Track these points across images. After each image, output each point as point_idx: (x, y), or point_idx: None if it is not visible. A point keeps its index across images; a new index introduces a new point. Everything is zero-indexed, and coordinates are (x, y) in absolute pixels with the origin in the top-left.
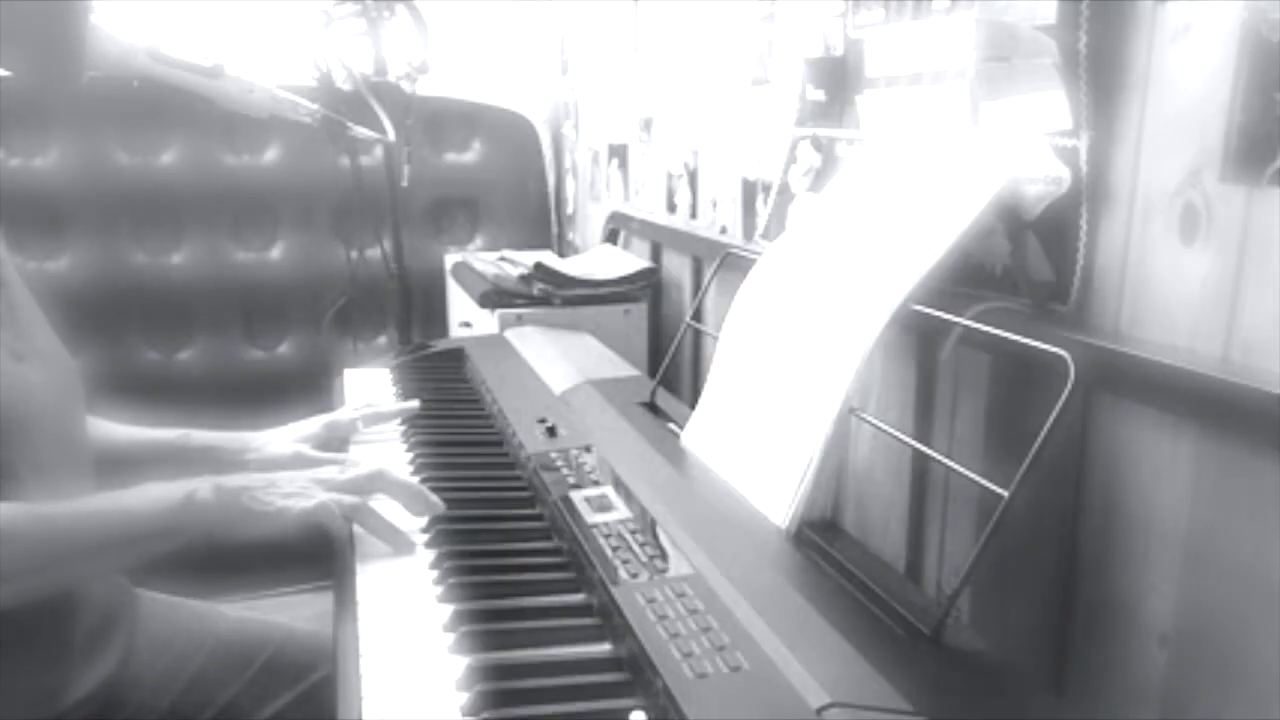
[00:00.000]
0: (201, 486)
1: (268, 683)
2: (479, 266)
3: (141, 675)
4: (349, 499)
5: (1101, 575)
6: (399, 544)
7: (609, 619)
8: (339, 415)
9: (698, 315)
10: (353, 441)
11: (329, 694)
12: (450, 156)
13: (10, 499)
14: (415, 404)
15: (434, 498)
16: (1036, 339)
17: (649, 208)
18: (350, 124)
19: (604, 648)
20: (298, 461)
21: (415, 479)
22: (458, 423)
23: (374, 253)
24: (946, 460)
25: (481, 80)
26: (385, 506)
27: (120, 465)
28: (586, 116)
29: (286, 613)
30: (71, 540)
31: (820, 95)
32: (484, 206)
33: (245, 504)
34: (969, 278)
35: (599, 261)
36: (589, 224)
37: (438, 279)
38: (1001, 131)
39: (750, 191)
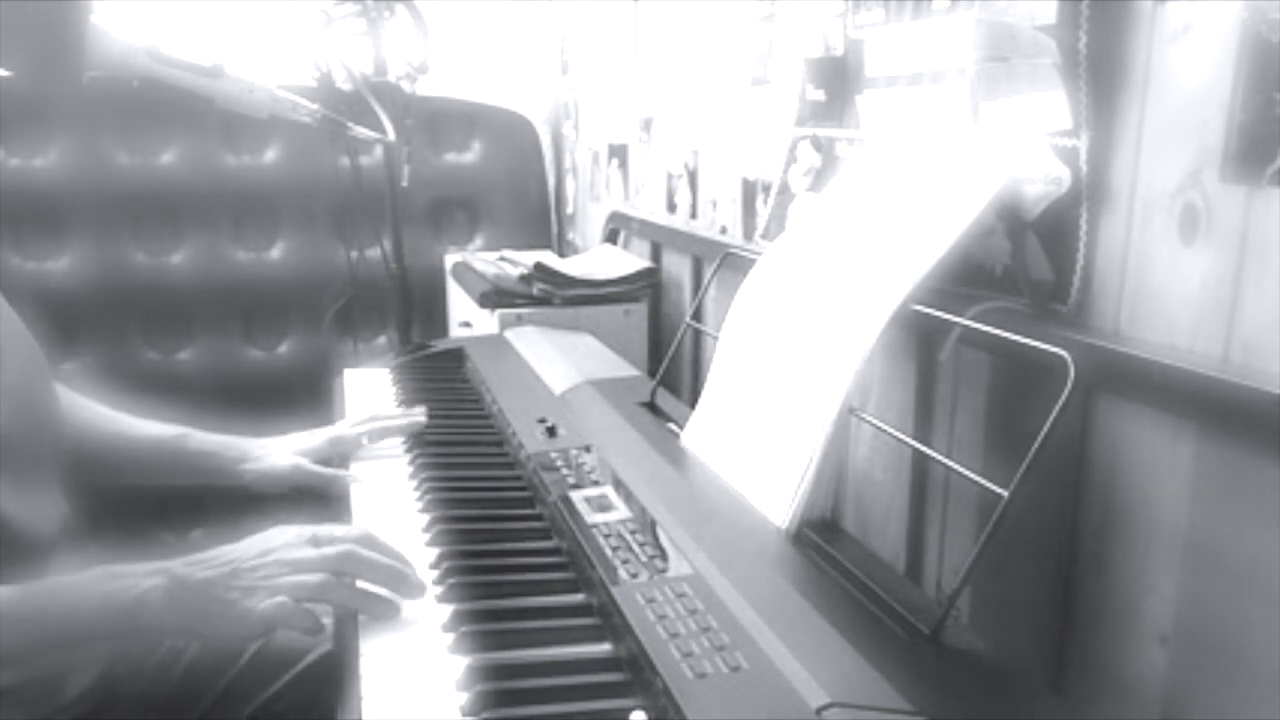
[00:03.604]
0: (157, 585)
1: (264, 665)
2: (479, 266)
3: (138, 668)
4: (313, 579)
5: (1101, 575)
6: (380, 613)
7: (609, 619)
8: (344, 430)
9: (698, 315)
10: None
11: (327, 671)
12: (450, 156)
13: None
14: (421, 419)
15: (416, 576)
16: (1036, 339)
17: (649, 208)
18: (350, 124)
19: (604, 648)
20: (295, 476)
21: (415, 517)
22: (458, 423)
23: (374, 253)
24: (946, 460)
25: (481, 80)
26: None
27: (113, 460)
28: (586, 116)
29: None
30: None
31: (820, 95)
32: (484, 206)
33: (205, 606)
34: (969, 278)
35: (599, 261)
36: (589, 224)
37: (438, 279)
38: (1001, 131)
39: (750, 191)
